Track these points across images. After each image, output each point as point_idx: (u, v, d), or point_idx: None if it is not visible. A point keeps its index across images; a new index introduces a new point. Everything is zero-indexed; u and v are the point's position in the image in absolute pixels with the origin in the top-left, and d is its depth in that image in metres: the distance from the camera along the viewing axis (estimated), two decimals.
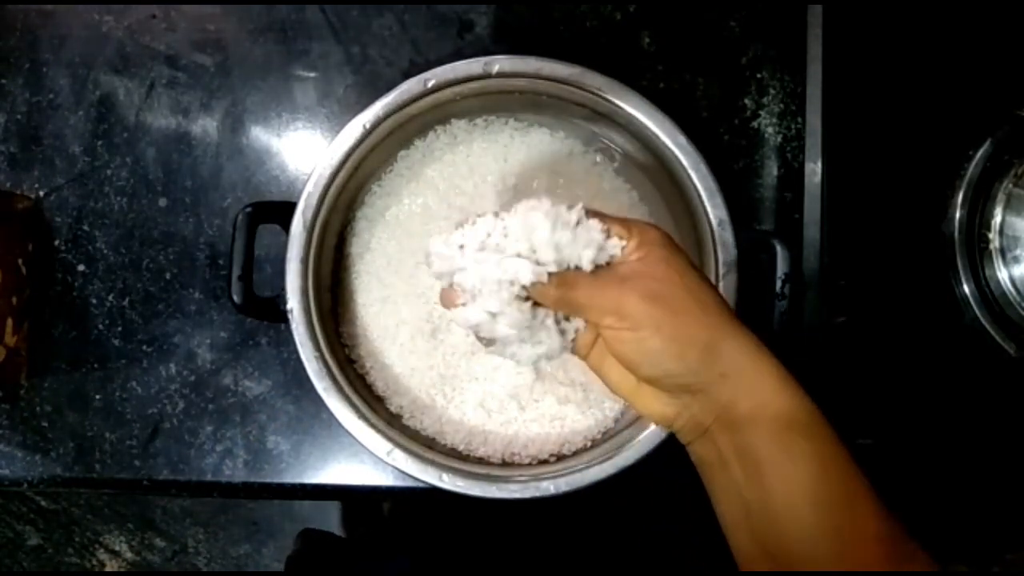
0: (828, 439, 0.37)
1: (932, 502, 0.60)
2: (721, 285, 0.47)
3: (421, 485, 0.47)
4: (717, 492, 0.39)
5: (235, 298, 0.49)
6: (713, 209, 0.48)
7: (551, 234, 0.38)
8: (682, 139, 0.48)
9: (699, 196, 0.48)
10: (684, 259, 0.39)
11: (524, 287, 0.38)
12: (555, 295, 0.39)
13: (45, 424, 0.58)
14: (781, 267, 0.49)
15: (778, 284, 0.49)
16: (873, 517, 0.35)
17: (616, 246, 0.38)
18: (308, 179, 0.48)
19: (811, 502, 0.36)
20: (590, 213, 0.39)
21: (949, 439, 0.60)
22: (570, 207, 0.39)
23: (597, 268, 0.39)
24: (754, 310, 0.48)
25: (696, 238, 0.50)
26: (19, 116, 0.59)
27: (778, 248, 0.49)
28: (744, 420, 0.37)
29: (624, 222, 0.40)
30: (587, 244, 0.38)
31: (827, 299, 0.57)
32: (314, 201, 0.48)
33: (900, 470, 0.59)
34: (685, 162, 0.48)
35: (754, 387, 0.37)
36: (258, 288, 0.50)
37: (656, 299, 0.37)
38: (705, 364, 0.37)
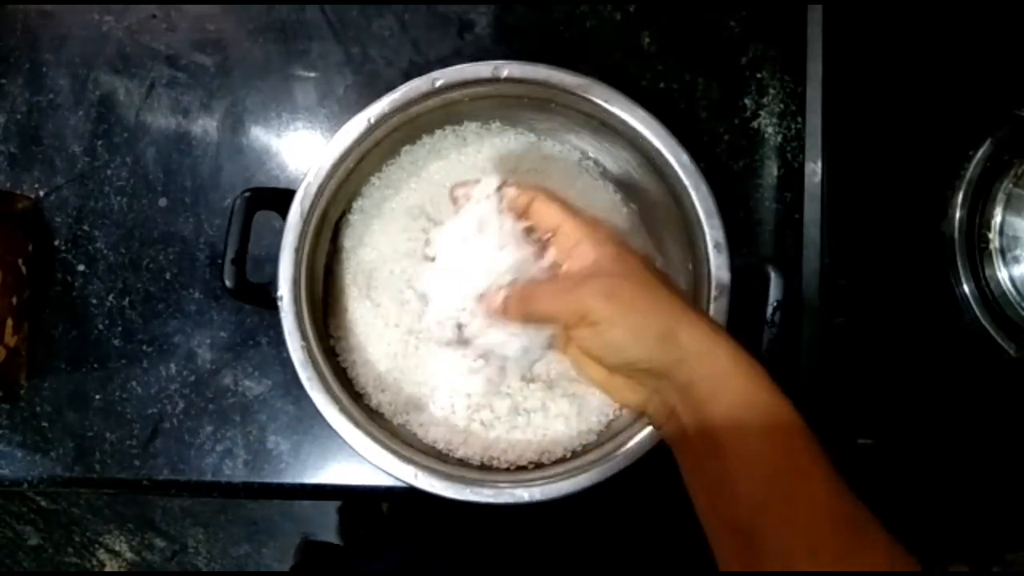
0: (784, 417, 0.38)
1: (932, 502, 0.60)
2: (712, 308, 0.47)
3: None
4: (685, 472, 0.41)
5: (227, 282, 0.48)
6: (710, 231, 0.47)
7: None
8: (685, 158, 0.48)
9: (697, 217, 0.48)
10: (634, 254, 0.42)
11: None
12: (519, 313, 0.43)
13: (45, 424, 0.58)
14: (774, 294, 0.48)
15: (769, 311, 0.48)
16: (828, 493, 0.36)
17: (548, 259, 0.43)
18: (309, 169, 0.48)
19: (763, 472, 0.37)
20: (523, 220, 0.44)
21: (949, 439, 0.60)
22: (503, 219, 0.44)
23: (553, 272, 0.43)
24: (744, 337, 0.48)
25: (691, 259, 0.50)
26: (19, 116, 0.59)
27: (772, 275, 0.48)
28: (703, 399, 0.39)
29: (575, 218, 0.43)
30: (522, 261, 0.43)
31: (827, 299, 0.57)
32: (313, 191, 0.47)
33: (900, 470, 0.59)
34: (686, 181, 0.48)
35: (710, 369, 0.39)
36: (254, 276, 0.50)
37: (612, 295, 0.40)
38: (663, 350, 0.40)
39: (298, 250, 0.47)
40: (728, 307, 0.47)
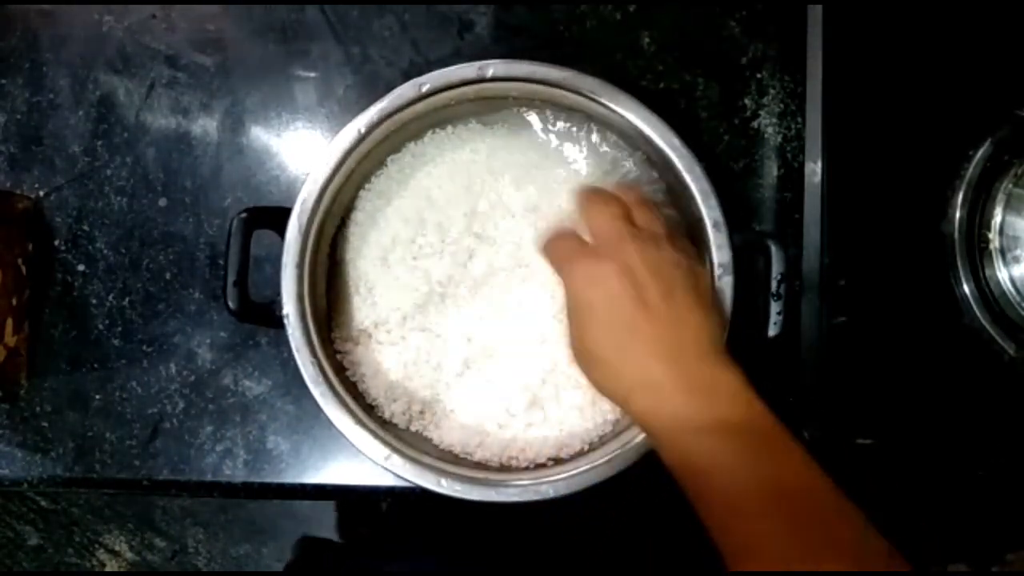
0: (752, 433, 0.40)
1: (932, 502, 0.60)
2: (717, 287, 0.47)
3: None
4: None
5: (230, 304, 0.49)
6: (708, 211, 0.48)
7: None
8: (676, 141, 0.48)
9: (694, 198, 0.48)
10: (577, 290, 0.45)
11: None
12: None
13: (45, 424, 0.58)
14: (776, 267, 0.49)
15: (774, 284, 0.49)
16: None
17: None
18: (303, 184, 0.48)
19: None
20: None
21: (949, 439, 0.60)
22: None
23: None
24: (752, 311, 0.49)
25: (692, 240, 0.50)
26: (19, 116, 0.59)
27: (773, 248, 0.49)
28: (660, 433, 0.41)
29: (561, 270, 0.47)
30: None
31: (827, 299, 0.57)
32: (309, 206, 0.48)
33: (900, 470, 0.59)
34: (679, 164, 0.48)
35: (662, 402, 0.41)
36: (259, 287, 0.50)
37: (568, 313, 0.45)
38: (611, 385, 0.44)
39: (299, 266, 0.47)
40: (733, 285, 0.47)
